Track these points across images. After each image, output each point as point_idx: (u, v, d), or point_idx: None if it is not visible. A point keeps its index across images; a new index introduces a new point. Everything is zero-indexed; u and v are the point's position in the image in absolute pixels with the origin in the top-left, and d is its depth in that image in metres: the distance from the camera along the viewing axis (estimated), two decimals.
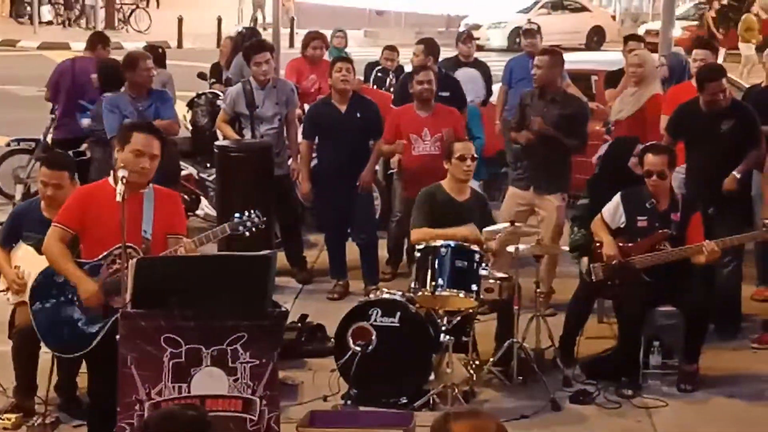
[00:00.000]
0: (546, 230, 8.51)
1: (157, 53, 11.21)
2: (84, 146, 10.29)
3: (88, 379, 6.30)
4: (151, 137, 5.94)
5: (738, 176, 8.15)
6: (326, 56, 12.13)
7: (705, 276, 8.03)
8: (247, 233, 6.32)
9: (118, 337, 5.42)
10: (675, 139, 8.41)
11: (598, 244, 7.67)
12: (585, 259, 7.80)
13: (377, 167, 9.77)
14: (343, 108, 9.15)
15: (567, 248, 8.05)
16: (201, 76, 13.64)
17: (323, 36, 11.91)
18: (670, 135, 8.45)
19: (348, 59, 9.66)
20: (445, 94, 9.59)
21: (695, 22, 28.68)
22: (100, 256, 5.86)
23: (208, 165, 10.79)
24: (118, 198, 5.60)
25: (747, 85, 10.83)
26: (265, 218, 6.47)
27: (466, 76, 11.28)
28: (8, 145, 12.20)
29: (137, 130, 6.00)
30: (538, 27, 12.30)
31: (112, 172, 5.96)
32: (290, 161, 9.80)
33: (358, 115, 9.15)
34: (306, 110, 10.06)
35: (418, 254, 7.28)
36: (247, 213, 6.29)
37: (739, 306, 8.45)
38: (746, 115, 8.27)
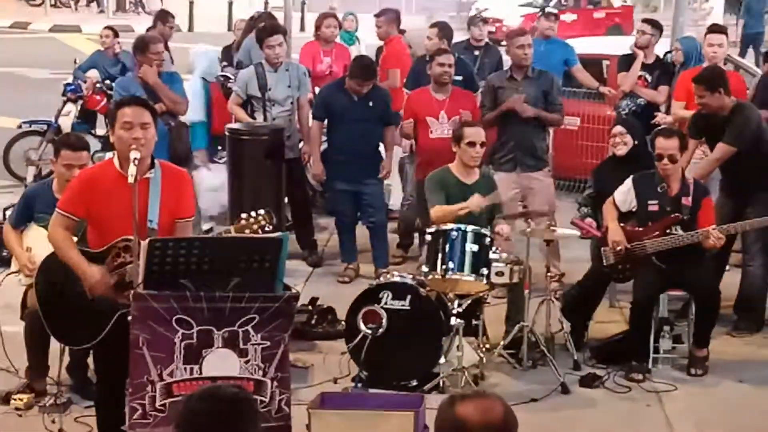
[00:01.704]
0: (540, 207, 8.54)
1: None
2: None
3: (95, 368, 6.28)
4: (137, 108, 5.73)
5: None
6: (338, 39, 12.14)
7: (716, 261, 8.02)
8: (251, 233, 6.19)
9: (129, 318, 5.42)
10: (697, 138, 8.38)
11: (606, 228, 7.67)
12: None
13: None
14: (355, 95, 9.15)
15: (578, 233, 8.04)
16: None
17: (335, 15, 11.91)
18: (691, 135, 8.40)
19: (373, 71, 9.52)
20: (458, 78, 9.57)
21: (535, 10, 28.36)
22: (103, 248, 5.70)
23: (220, 148, 10.81)
24: (130, 180, 5.46)
25: (761, 71, 10.75)
26: (274, 220, 6.32)
27: None
28: (20, 127, 12.23)
29: (122, 106, 5.79)
30: (555, 12, 12.32)
31: (114, 153, 5.78)
32: (301, 144, 9.81)
33: (371, 103, 9.15)
34: (318, 92, 10.06)
35: (428, 237, 7.29)
36: (254, 214, 6.11)
37: (764, 304, 8.38)
38: (739, 118, 8.07)
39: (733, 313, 8.27)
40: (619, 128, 8.45)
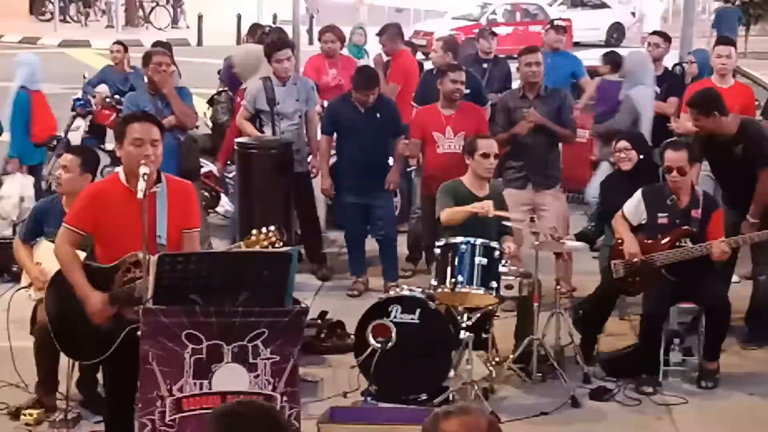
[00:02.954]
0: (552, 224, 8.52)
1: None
2: None
3: (104, 383, 6.28)
4: (147, 124, 5.73)
5: (753, 221, 7.97)
6: (346, 51, 12.16)
7: (725, 273, 8.00)
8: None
9: (139, 333, 5.42)
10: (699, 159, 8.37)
11: (619, 241, 7.66)
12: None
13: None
14: (363, 107, 9.16)
15: (586, 244, 8.04)
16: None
17: (335, 28, 11.92)
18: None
19: (375, 79, 9.52)
20: (466, 91, 9.57)
21: (469, 23, 28.32)
22: (113, 264, 5.69)
23: (229, 162, 10.82)
24: (140, 195, 5.45)
25: None
26: (284, 237, 6.32)
27: None
28: None
29: (131, 121, 5.79)
30: (562, 25, 12.29)
31: (121, 168, 5.78)
32: (310, 158, 9.82)
33: (378, 115, 9.16)
34: (326, 106, 10.08)
35: (438, 251, 7.28)
36: (264, 230, 6.11)
37: None
38: (752, 136, 8.07)
39: (745, 325, 8.24)
40: (623, 143, 8.41)
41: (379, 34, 11.82)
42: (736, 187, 8.18)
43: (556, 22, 12.82)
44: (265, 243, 6.01)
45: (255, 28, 12.76)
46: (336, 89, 10.96)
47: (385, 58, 11.47)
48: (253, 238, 6.01)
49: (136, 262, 5.61)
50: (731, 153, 8.03)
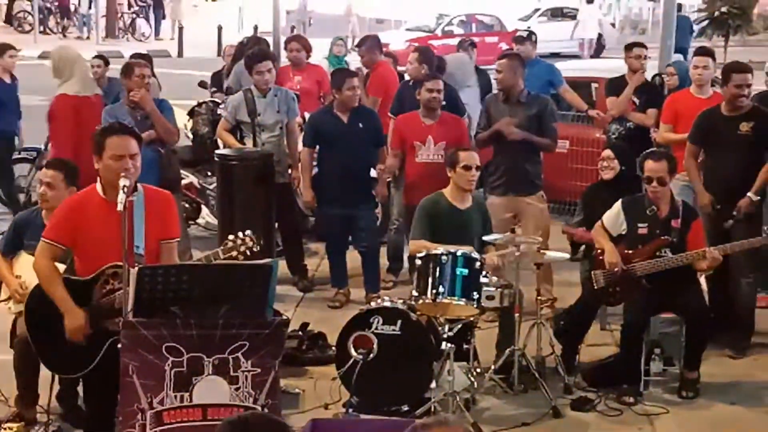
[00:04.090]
0: (533, 233, 8.53)
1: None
2: None
3: (84, 397, 6.27)
4: (125, 137, 5.71)
5: (754, 198, 8.11)
6: (326, 65, 12.18)
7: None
8: (242, 257, 6.15)
9: (119, 346, 5.41)
10: (696, 144, 8.43)
11: (599, 251, 7.68)
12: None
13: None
14: (345, 118, 9.17)
15: (566, 256, 8.06)
16: (202, 84, 13.69)
17: (301, 38, 11.97)
18: (691, 141, 8.49)
19: (353, 72, 9.66)
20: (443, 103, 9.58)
21: (423, 34, 28.42)
22: (92, 276, 5.68)
23: (209, 174, 10.81)
24: (119, 208, 5.44)
25: None
26: (261, 241, 6.34)
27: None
28: None
29: (109, 134, 5.75)
30: (529, 34, 12.19)
31: (99, 179, 5.78)
32: (290, 170, 9.81)
33: (360, 125, 9.17)
34: (307, 118, 10.08)
35: (419, 262, 7.28)
36: (241, 235, 6.15)
37: (753, 320, 8.41)
38: (765, 117, 8.22)
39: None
40: (607, 152, 8.48)
41: (358, 45, 11.85)
42: (731, 170, 8.18)
43: (518, 34, 12.67)
44: (242, 248, 6.03)
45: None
46: (303, 95, 10.95)
47: (364, 71, 11.49)
48: (230, 244, 6.03)
49: (114, 273, 5.60)
50: (737, 130, 8.10)
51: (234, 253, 5.99)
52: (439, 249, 7.22)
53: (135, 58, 10.98)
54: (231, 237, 6.07)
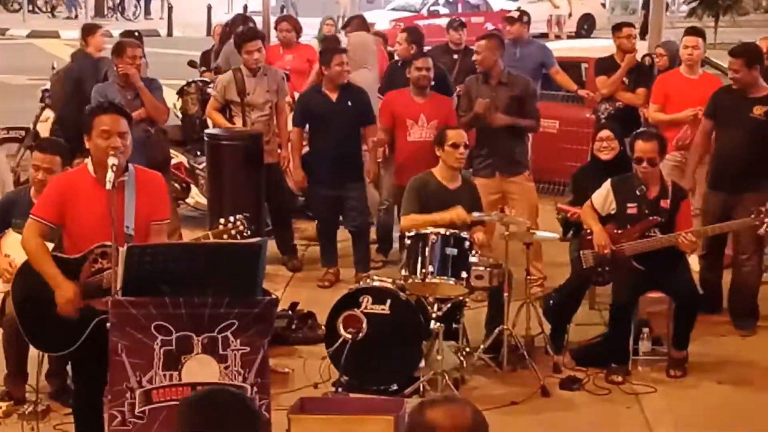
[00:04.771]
0: (521, 212, 8.55)
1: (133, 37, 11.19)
2: None
3: (73, 376, 6.27)
4: (114, 116, 5.69)
5: None
6: (316, 45, 12.17)
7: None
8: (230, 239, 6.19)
9: (108, 325, 5.40)
10: (709, 119, 8.42)
11: (588, 231, 7.69)
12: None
13: (367, 156, 9.76)
14: (334, 96, 9.16)
15: (556, 235, 8.08)
16: (191, 64, 13.66)
17: (291, 18, 11.96)
18: (704, 115, 8.50)
19: (342, 49, 9.67)
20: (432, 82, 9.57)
21: (407, 14, 28.32)
22: (80, 255, 5.66)
23: (199, 153, 10.79)
24: (108, 186, 5.44)
25: None
26: (252, 225, 6.35)
27: None
28: None
29: (98, 113, 5.73)
30: (520, 14, 12.10)
31: (89, 159, 5.76)
32: (280, 149, 9.80)
33: (349, 103, 9.16)
34: (297, 98, 10.07)
35: (408, 241, 7.29)
36: (232, 219, 6.12)
37: (757, 300, 8.38)
38: None
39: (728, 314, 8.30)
40: (606, 132, 8.41)
41: (345, 26, 11.84)
42: (739, 152, 8.14)
43: (513, 14, 12.58)
44: (233, 232, 6.02)
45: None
46: (294, 74, 10.93)
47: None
48: (221, 227, 6.02)
49: (103, 253, 5.60)
50: (750, 114, 8.09)
51: (225, 237, 5.99)
52: (429, 228, 7.23)
53: (126, 36, 10.96)
54: (222, 220, 6.07)
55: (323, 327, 7.45)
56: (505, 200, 8.92)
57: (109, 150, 5.57)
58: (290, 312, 8.13)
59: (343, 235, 9.53)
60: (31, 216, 5.79)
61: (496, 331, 7.44)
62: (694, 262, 8.21)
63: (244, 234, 6.08)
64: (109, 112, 5.74)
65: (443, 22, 17.66)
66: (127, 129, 5.71)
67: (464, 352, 7.40)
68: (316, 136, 9.36)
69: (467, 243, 7.22)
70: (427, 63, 9.20)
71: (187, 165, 10.99)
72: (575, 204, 8.19)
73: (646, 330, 7.67)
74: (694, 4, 28.04)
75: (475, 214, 7.59)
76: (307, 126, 9.41)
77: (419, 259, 7.13)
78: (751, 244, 8.16)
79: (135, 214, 5.64)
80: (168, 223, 5.95)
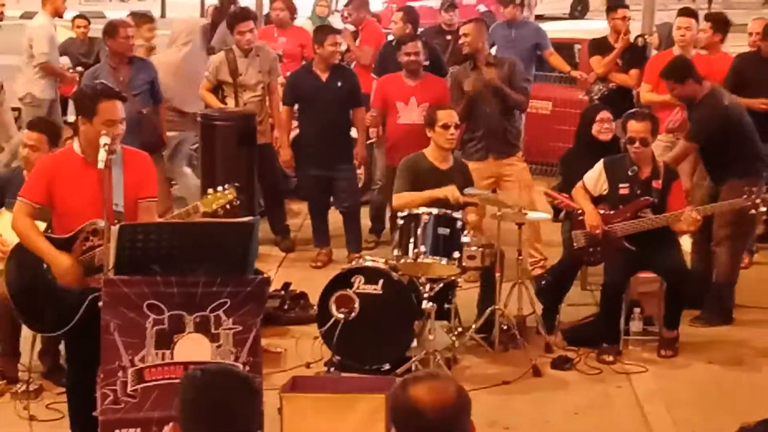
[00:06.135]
0: (517, 193, 8.55)
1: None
2: None
3: (66, 356, 6.28)
4: (116, 102, 5.70)
5: None
6: (309, 25, 12.13)
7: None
8: (221, 211, 6.19)
9: (100, 304, 5.41)
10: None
11: (580, 212, 7.70)
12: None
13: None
14: (324, 77, 9.16)
15: (548, 216, 8.09)
16: None
17: None
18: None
19: (337, 30, 9.66)
20: (425, 63, 9.57)
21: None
22: (71, 234, 5.66)
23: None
24: (101, 165, 5.44)
25: None
26: (241, 195, 6.35)
27: None
28: None
29: (101, 99, 5.69)
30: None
31: (76, 138, 5.77)
32: (273, 130, 9.79)
33: (339, 84, 9.15)
34: (287, 77, 10.05)
35: (400, 222, 7.29)
36: (220, 188, 6.13)
37: (728, 303, 8.23)
38: (708, 107, 8.01)
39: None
40: (606, 114, 8.40)
41: (347, 4, 11.81)
42: (704, 158, 8.18)
43: None
44: (222, 201, 6.04)
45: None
46: (286, 57, 10.91)
47: (352, 29, 11.46)
48: (210, 197, 6.04)
49: (94, 231, 5.61)
50: None
51: (214, 206, 6.01)
52: (421, 208, 7.24)
53: (136, 16, 10.86)
54: (210, 190, 6.09)
55: (315, 307, 7.45)
56: (499, 184, 8.91)
57: (110, 136, 5.56)
58: (283, 292, 8.14)
59: (334, 216, 9.53)
60: (18, 198, 5.80)
61: (488, 311, 7.46)
62: (686, 243, 8.21)
63: (234, 203, 6.11)
64: (113, 98, 5.74)
65: (435, 3, 17.63)
66: (124, 114, 5.75)
67: (456, 332, 7.42)
68: (305, 116, 9.36)
69: (459, 223, 7.22)
70: (415, 47, 9.18)
71: None
72: (564, 187, 8.17)
73: (637, 310, 7.70)
74: None
75: (468, 190, 7.59)
76: (296, 105, 9.41)
77: (411, 239, 7.14)
78: (722, 230, 7.98)
79: (123, 191, 5.65)
80: (156, 201, 5.95)
